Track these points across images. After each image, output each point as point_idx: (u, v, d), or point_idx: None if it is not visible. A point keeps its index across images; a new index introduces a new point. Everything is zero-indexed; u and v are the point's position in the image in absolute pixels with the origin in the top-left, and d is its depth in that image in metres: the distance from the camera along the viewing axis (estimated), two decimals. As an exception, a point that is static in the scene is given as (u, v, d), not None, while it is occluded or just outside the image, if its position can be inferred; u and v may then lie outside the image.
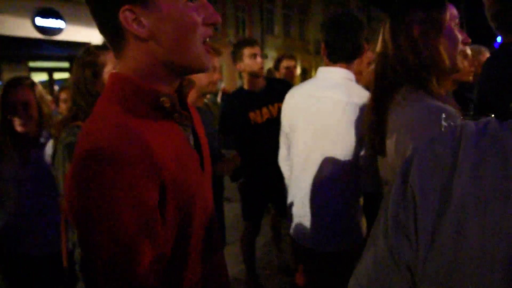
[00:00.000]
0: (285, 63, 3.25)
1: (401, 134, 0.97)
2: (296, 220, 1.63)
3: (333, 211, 1.50)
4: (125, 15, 0.61)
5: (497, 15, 1.33)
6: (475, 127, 0.43)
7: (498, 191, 0.37)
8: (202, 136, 0.83)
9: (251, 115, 2.37)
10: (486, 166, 0.39)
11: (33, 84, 1.73)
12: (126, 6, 0.61)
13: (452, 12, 1.02)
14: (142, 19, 0.62)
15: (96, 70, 1.39)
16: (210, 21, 0.67)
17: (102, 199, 0.53)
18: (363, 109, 1.34)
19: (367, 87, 1.43)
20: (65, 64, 11.01)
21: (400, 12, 1.03)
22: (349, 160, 1.46)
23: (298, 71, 3.37)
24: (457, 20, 1.03)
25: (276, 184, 2.07)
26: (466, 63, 2.08)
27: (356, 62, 1.52)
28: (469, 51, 2.10)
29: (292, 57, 3.35)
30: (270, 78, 2.91)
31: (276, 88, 2.43)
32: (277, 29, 18.90)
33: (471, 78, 2.05)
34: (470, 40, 1.09)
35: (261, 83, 2.42)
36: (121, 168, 0.54)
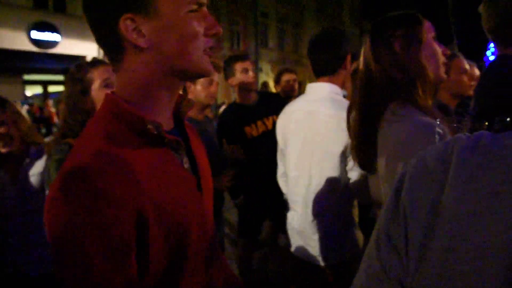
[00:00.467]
0: (285, 77, 3.30)
1: (391, 152, 0.96)
2: (292, 233, 1.64)
3: (327, 224, 1.50)
4: (126, 24, 0.60)
5: (496, 28, 1.34)
6: (466, 142, 0.42)
7: (488, 207, 0.37)
8: (199, 155, 0.80)
9: (247, 129, 2.36)
10: (477, 182, 0.38)
11: (3, 102, 1.65)
12: (128, 15, 0.60)
13: (427, 25, 1.03)
14: (142, 28, 0.61)
15: (84, 87, 1.36)
16: (211, 32, 0.66)
17: (67, 225, 0.52)
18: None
19: None
20: (60, 77, 11.01)
21: (379, 30, 1.05)
22: (339, 173, 1.47)
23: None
24: (433, 33, 1.05)
25: (273, 197, 2.06)
26: (465, 78, 2.09)
27: (341, 73, 1.54)
28: (467, 66, 2.11)
29: (292, 71, 3.39)
30: (262, 91, 2.90)
31: (269, 101, 2.44)
32: (271, 42, 19.11)
33: (471, 92, 2.02)
34: (449, 52, 1.10)
35: (253, 97, 2.41)
36: (91, 198, 0.53)
